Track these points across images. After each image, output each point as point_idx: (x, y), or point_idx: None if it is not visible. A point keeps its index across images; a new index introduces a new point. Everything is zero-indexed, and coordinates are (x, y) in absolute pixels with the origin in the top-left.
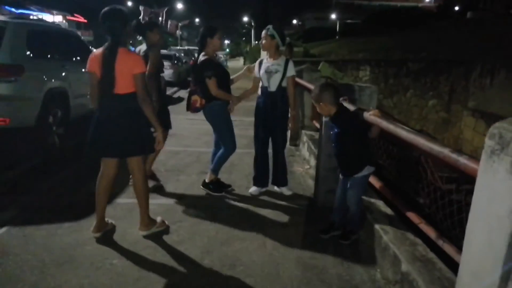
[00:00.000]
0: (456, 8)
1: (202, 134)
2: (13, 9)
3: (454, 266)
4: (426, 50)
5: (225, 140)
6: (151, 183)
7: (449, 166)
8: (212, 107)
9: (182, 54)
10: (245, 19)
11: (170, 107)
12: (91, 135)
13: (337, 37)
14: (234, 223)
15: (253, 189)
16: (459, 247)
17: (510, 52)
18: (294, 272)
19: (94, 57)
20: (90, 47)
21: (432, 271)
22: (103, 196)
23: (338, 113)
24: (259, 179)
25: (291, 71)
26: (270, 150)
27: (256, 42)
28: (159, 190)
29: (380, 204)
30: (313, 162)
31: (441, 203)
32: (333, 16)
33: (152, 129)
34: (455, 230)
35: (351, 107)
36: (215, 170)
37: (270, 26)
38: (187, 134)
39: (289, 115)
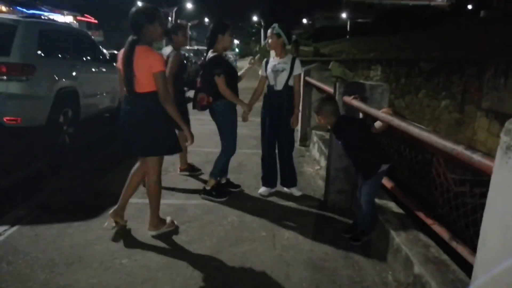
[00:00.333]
0: (469, 7)
1: (211, 135)
2: (24, 10)
3: (468, 268)
4: (438, 49)
5: (225, 141)
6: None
7: (463, 164)
8: (219, 105)
9: (192, 54)
10: (255, 18)
11: None
12: (120, 132)
13: (347, 36)
14: (243, 223)
15: (262, 190)
16: (473, 249)
17: None
18: (303, 274)
19: (121, 53)
20: (100, 47)
21: (446, 273)
22: (130, 188)
23: (337, 125)
24: (268, 179)
25: (298, 69)
26: (277, 150)
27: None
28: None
29: (392, 205)
30: (323, 162)
31: (454, 203)
32: (344, 15)
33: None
34: (469, 231)
35: (361, 105)
36: (215, 174)
37: (275, 25)
38: (196, 134)
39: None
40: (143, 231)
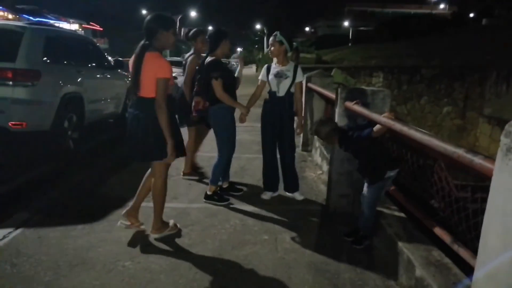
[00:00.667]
0: (471, 15)
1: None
2: (31, 18)
3: (470, 272)
4: (440, 56)
5: (223, 147)
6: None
7: (464, 167)
8: (217, 110)
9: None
10: (258, 26)
11: None
12: (127, 136)
13: (349, 44)
14: (246, 227)
15: (264, 194)
16: (475, 252)
17: None
18: (305, 277)
19: (132, 58)
20: (105, 54)
21: (447, 276)
22: (144, 190)
23: (342, 140)
24: (270, 183)
25: (300, 77)
26: (279, 156)
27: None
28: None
29: (394, 209)
30: (325, 167)
31: (456, 207)
32: (346, 23)
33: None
34: (470, 235)
35: (363, 110)
36: (214, 181)
37: (277, 32)
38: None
39: (296, 120)
40: (146, 234)
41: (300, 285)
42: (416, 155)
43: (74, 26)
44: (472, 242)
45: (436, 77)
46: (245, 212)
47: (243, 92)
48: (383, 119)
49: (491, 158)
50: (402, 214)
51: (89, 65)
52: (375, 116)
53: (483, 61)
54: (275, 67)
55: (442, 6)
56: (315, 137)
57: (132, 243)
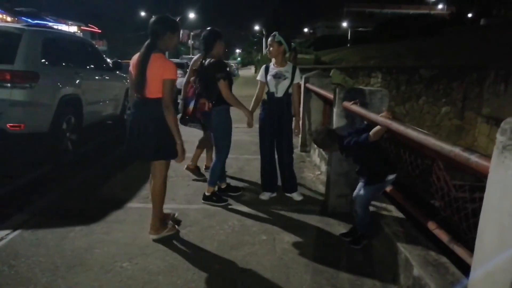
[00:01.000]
0: (469, 15)
1: None
2: (29, 20)
3: (468, 271)
4: (438, 57)
5: (222, 147)
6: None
7: (461, 166)
8: (220, 111)
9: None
10: (256, 27)
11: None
12: (126, 136)
13: (348, 44)
14: (244, 227)
15: (263, 194)
16: (472, 251)
17: None
18: (304, 277)
19: (134, 59)
20: (104, 56)
21: (445, 275)
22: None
23: (342, 147)
24: (268, 184)
25: (298, 78)
26: (277, 156)
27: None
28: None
29: (392, 208)
30: (323, 168)
31: (455, 206)
32: (345, 24)
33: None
34: (467, 234)
35: (361, 110)
36: (212, 182)
37: (276, 33)
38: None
39: (294, 121)
40: (144, 235)
41: (299, 286)
42: (413, 154)
43: (73, 28)
44: (470, 241)
45: (434, 77)
46: (244, 213)
47: (242, 93)
48: (381, 118)
49: (487, 156)
50: (400, 214)
51: (88, 67)
52: (372, 116)
53: (482, 61)
54: (273, 67)
55: (440, 6)
56: None
57: (130, 244)
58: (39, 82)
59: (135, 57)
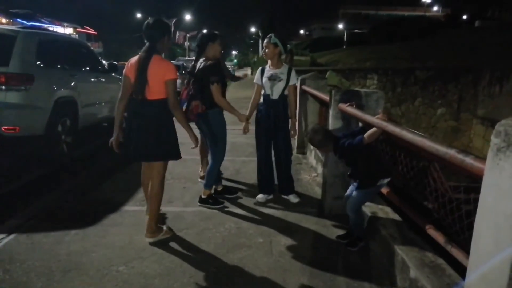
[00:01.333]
0: (464, 17)
1: None
2: (24, 22)
3: (464, 273)
4: (434, 58)
5: (217, 150)
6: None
7: (456, 168)
8: (213, 114)
9: (190, 65)
10: (253, 29)
11: None
12: (124, 137)
13: (344, 46)
14: (241, 230)
15: (259, 196)
16: (468, 253)
17: None
18: (300, 279)
19: (131, 62)
20: (99, 58)
21: (441, 277)
22: (148, 188)
23: (336, 148)
24: (264, 186)
25: (293, 79)
26: (274, 158)
27: None
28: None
29: (388, 210)
30: (320, 169)
31: (449, 208)
32: (340, 26)
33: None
34: (464, 235)
35: (356, 112)
36: (209, 185)
37: (272, 35)
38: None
39: (290, 123)
40: (140, 238)
41: None
42: (410, 156)
43: (69, 30)
44: (466, 243)
45: (430, 78)
46: (240, 215)
47: (239, 95)
48: (376, 120)
49: (482, 158)
50: (397, 215)
51: (83, 69)
52: (368, 117)
53: (477, 62)
54: (269, 70)
55: (435, 8)
56: None
57: (126, 248)
58: (34, 84)
59: (132, 60)
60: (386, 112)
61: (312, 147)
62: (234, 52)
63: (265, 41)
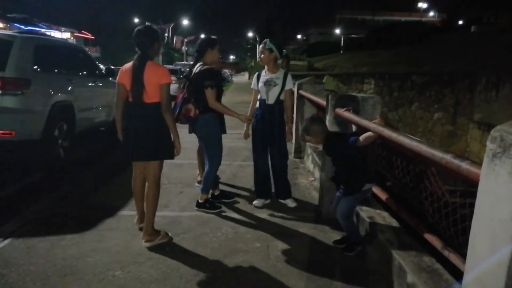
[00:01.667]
0: (460, 22)
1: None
2: (22, 26)
3: (461, 277)
4: (430, 63)
5: (213, 155)
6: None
7: (452, 173)
8: (208, 119)
9: (187, 69)
10: (250, 34)
11: None
12: (122, 139)
13: (341, 51)
14: (238, 235)
15: (256, 201)
16: (465, 258)
17: None
18: (298, 284)
19: (124, 70)
20: (97, 63)
21: (438, 282)
22: (140, 196)
23: (327, 142)
24: (261, 191)
25: (290, 84)
26: (271, 163)
27: None
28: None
29: (385, 215)
30: (317, 174)
31: (445, 212)
32: (337, 31)
33: None
34: (459, 239)
35: (353, 117)
36: (206, 190)
37: (267, 40)
38: (190, 147)
39: (286, 128)
40: (137, 243)
41: None
42: (406, 161)
43: (66, 35)
44: (462, 248)
45: (426, 83)
46: (237, 220)
47: (236, 99)
48: (373, 125)
49: (478, 163)
50: (394, 220)
51: (80, 74)
52: (365, 122)
53: (473, 67)
54: (265, 74)
55: (431, 13)
56: (307, 144)
57: (122, 253)
58: (31, 89)
59: (126, 67)
60: (383, 117)
61: (309, 151)
62: (232, 57)
63: (261, 46)
